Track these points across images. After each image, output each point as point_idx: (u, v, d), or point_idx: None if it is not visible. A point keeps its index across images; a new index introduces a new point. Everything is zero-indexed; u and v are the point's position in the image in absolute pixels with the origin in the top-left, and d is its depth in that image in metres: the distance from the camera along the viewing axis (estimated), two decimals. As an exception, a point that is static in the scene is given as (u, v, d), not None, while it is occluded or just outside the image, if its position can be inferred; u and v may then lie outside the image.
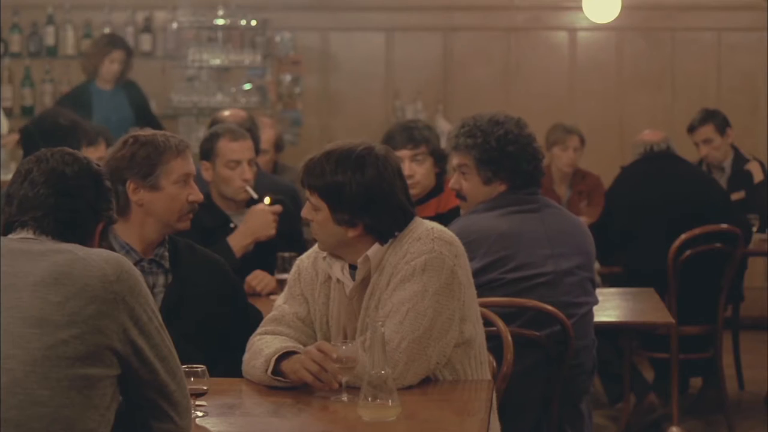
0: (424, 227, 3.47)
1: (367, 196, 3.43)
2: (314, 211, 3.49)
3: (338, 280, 3.54)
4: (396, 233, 3.48)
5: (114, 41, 8.77)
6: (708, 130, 7.57)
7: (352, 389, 3.26)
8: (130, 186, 3.85)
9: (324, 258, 3.56)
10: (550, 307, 4.19)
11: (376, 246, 3.47)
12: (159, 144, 3.88)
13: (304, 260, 3.63)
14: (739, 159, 7.66)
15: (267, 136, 6.81)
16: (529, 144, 4.41)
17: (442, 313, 3.39)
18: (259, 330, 3.59)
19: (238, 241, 5.19)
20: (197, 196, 3.93)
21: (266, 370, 3.39)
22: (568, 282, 4.34)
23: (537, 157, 4.42)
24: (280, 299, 3.65)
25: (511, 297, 4.23)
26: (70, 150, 2.87)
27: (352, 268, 3.52)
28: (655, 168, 6.73)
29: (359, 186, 3.43)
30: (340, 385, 3.29)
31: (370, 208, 3.44)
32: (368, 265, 3.47)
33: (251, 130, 5.83)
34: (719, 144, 7.58)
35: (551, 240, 4.36)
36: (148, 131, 3.98)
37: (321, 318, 3.55)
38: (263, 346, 3.46)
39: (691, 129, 7.63)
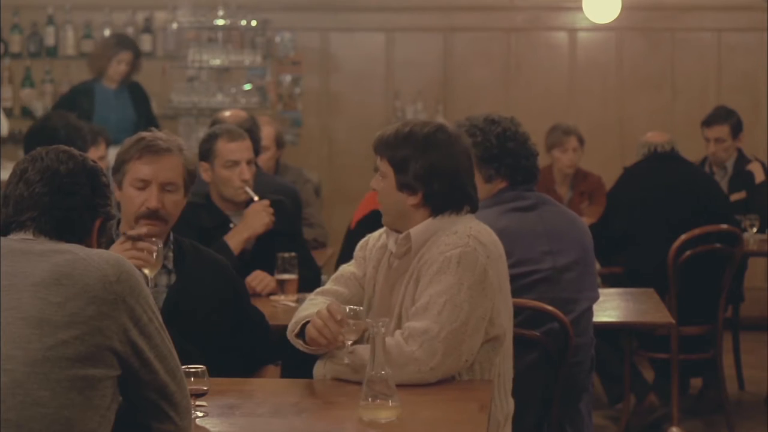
0: (466, 224, 3.62)
1: (430, 167, 3.61)
2: (381, 179, 3.68)
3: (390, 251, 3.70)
4: (450, 211, 3.63)
5: (122, 42, 8.79)
6: (723, 130, 7.59)
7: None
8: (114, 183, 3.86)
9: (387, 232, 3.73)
10: (549, 307, 4.19)
11: (421, 226, 3.60)
12: (133, 143, 3.89)
13: (375, 234, 3.83)
14: (742, 159, 7.67)
15: (266, 132, 6.80)
16: (526, 140, 4.49)
17: (477, 310, 3.48)
18: (319, 289, 3.82)
19: (235, 238, 5.19)
20: (151, 202, 3.84)
21: (293, 331, 3.59)
22: (566, 278, 4.36)
23: (533, 153, 4.50)
24: (348, 263, 3.87)
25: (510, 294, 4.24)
26: (65, 147, 2.86)
27: None
28: (657, 169, 6.73)
29: (424, 158, 3.61)
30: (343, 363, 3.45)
31: (431, 179, 3.61)
32: (409, 243, 3.62)
33: (251, 130, 5.83)
34: (729, 145, 7.61)
35: (549, 236, 4.37)
36: (153, 131, 3.98)
37: (369, 280, 3.74)
38: (307, 306, 3.68)
39: (707, 124, 7.64)
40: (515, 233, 4.34)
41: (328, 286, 3.82)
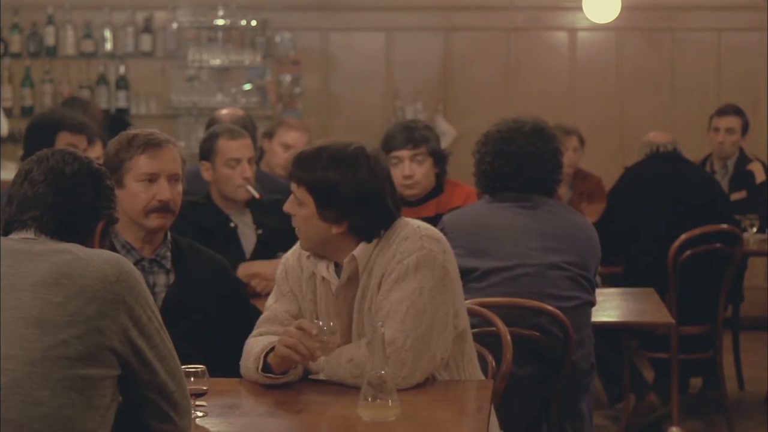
0: (411, 226, 3.47)
1: (356, 195, 3.42)
2: (298, 206, 3.48)
3: (323, 278, 3.53)
4: (381, 233, 3.47)
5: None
6: (736, 121, 7.65)
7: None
8: None
9: (308, 256, 3.55)
10: (549, 307, 4.20)
11: (362, 246, 3.46)
12: (128, 140, 3.86)
13: (289, 257, 3.63)
14: (743, 159, 7.69)
15: (304, 139, 6.88)
16: (489, 143, 4.49)
17: (440, 309, 3.39)
18: (254, 332, 3.59)
19: (245, 269, 5.12)
20: (164, 195, 3.84)
21: (257, 368, 3.41)
22: (553, 275, 4.36)
23: (498, 157, 4.46)
24: (270, 299, 3.64)
25: (492, 286, 4.25)
26: (72, 149, 2.87)
27: (338, 266, 3.52)
28: (658, 169, 6.73)
29: (350, 184, 3.42)
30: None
31: (357, 208, 3.42)
32: (354, 265, 3.46)
33: (248, 129, 5.83)
34: (737, 140, 7.65)
35: (543, 235, 4.39)
36: (138, 128, 3.97)
37: (310, 314, 3.54)
38: (254, 345, 3.49)
39: (721, 114, 7.69)
40: (504, 228, 4.37)
41: (265, 327, 3.55)
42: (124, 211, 3.79)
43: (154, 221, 3.84)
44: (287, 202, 3.52)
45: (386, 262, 3.42)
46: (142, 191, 3.83)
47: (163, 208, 3.84)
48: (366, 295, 3.45)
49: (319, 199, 3.43)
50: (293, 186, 3.49)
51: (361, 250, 3.45)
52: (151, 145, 3.86)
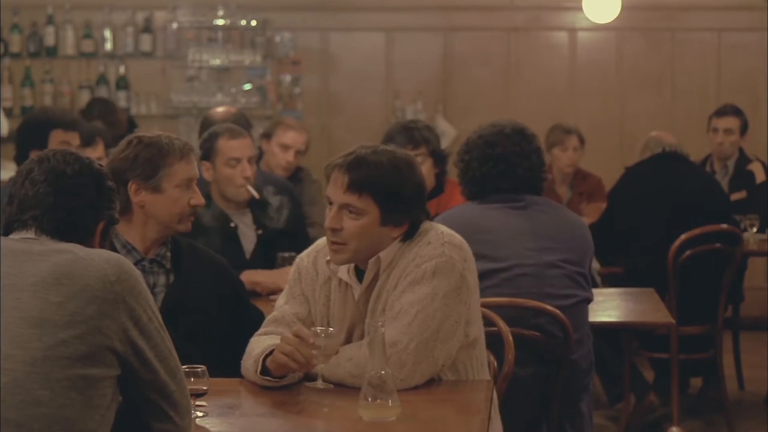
0: (435, 231, 3.48)
1: (417, 193, 3.46)
2: (353, 218, 3.43)
3: (340, 281, 3.53)
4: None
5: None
6: (735, 122, 7.67)
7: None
8: (131, 187, 3.84)
9: (328, 261, 3.54)
10: (550, 308, 4.20)
11: (390, 249, 3.46)
12: (163, 146, 3.88)
13: (304, 259, 3.61)
14: (743, 159, 7.70)
15: (303, 139, 6.87)
16: (472, 149, 4.49)
17: (450, 317, 3.40)
18: (259, 331, 3.60)
19: (249, 276, 5.11)
20: (199, 199, 3.92)
21: (256, 371, 3.42)
22: (550, 274, 4.36)
23: (485, 161, 4.47)
24: (280, 299, 3.64)
25: (491, 288, 4.26)
26: (73, 150, 2.89)
27: (357, 269, 3.51)
28: (658, 169, 6.72)
29: (412, 185, 3.45)
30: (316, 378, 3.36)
31: (418, 205, 3.46)
32: (378, 266, 3.46)
33: (242, 126, 5.82)
34: (736, 140, 7.67)
35: (536, 235, 4.39)
36: (153, 132, 3.98)
37: (322, 319, 3.54)
38: (255, 346, 3.49)
39: (719, 114, 7.70)
40: (498, 229, 4.38)
41: (271, 327, 3.55)
42: (151, 215, 3.84)
43: (185, 225, 3.92)
44: (332, 217, 3.45)
45: (406, 264, 3.43)
46: (182, 196, 3.88)
47: (194, 212, 3.93)
48: (381, 296, 3.45)
49: (386, 203, 3.42)
50: (350, 198, 3.43)
51: (386, 251, 3.46)
52: (187, 150, 3.92)
